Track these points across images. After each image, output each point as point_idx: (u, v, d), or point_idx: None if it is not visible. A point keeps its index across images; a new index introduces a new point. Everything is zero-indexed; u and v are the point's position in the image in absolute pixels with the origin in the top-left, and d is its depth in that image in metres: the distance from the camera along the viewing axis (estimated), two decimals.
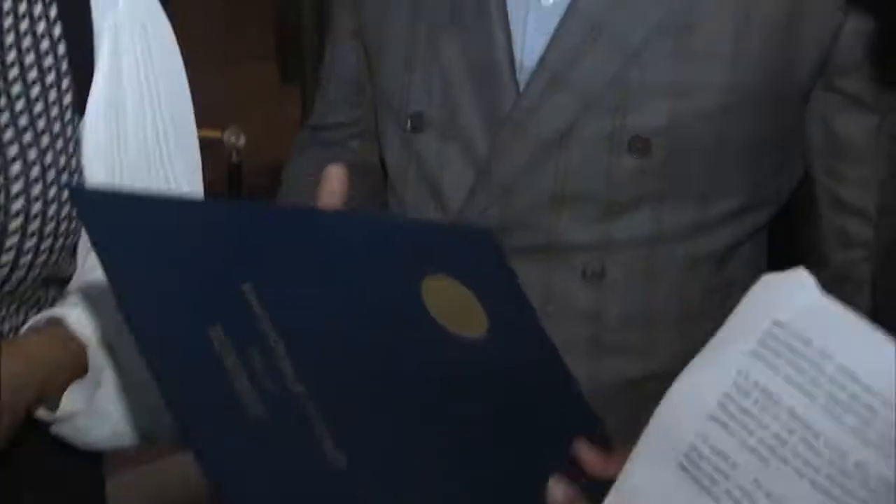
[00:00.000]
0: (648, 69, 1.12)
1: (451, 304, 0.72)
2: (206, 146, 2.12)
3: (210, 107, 2.49)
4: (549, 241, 1.07)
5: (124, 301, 0.82)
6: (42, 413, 1.02)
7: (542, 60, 1.13)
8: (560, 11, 1.13)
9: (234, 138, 1.94)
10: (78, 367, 1.03)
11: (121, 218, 0.78)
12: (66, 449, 1.06)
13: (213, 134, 2.00)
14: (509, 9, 1.15)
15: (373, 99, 1.24)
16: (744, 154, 1.16)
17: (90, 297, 1.09)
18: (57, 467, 1.09)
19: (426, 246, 0.72)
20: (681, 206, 1.11)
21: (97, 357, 1.03)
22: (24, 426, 1.00)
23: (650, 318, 1.08)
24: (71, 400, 1.04)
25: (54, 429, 1.05)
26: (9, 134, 1.06)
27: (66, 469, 1.11)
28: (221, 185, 2.02)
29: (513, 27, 1.15)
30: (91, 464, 1.16)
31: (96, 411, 1.05)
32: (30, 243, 1.04)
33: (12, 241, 1.03)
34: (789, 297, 0.71)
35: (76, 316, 1.04)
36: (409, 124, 1.19)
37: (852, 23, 1.14)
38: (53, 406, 1.04)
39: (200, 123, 2.10)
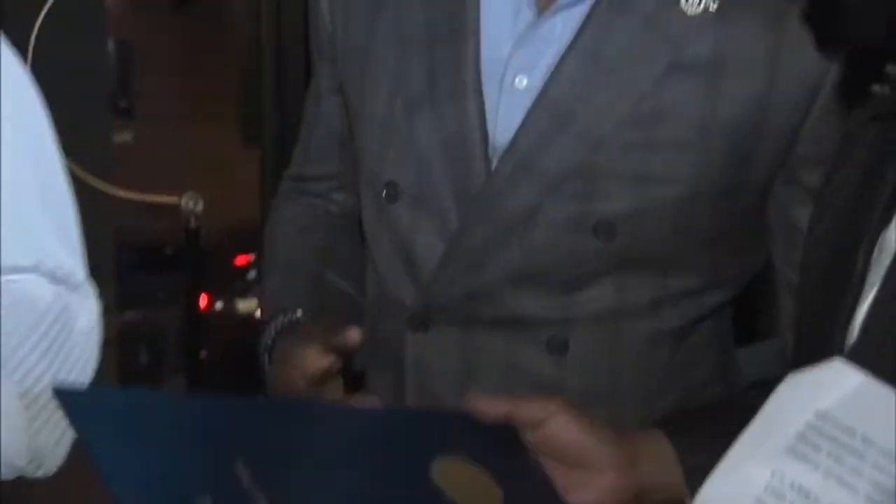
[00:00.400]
0: (615, 158, 1.14)
1: (464, 481, 0.74)
2: (164, 212, 2.11)
3: (169, 170, 2.51)
4: (513, 315, 1.08)
5: (112, 480, 0.83)
6: None
7: (512, 143, 1.15)
8: (532, 96, 1.16)
9: (191, 203, 1.93)
10: None
11: (107, 413, 0.80)
12: None
13: (171, 200, 2.04)
14: (484, 89, 1.18)
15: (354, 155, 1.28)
16: (706, 239, 1.18)
17: None
18: None
19: (440, 432, 0.74)
20: (643, 282, 1.12)
21: None
22: None
23: (613, 393, 1.09)
24: None
25: None
26: None
27: None
28: (179, 250, 2.03)
29: (487, 107, 1.17)
30: None
31: None
32: None
33: None
34: (829, 386, 0.70)
35: None
36: (384, 192, 1.21)
37: (814, 118, 1.16)
38: None
39: (159, 189, 2.04)
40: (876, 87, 0.93)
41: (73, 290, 1.09)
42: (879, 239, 0.95)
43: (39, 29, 2.15)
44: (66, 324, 1.07)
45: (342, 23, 1.27)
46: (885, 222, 0.95)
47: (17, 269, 1.07)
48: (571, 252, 1.13)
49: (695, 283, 1.14)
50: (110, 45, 2.62)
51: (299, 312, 1.24)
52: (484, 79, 1.19)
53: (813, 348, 0.99)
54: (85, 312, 1.09)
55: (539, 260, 1.14)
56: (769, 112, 1.16)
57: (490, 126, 1.19)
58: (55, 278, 1.05)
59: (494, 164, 1.17)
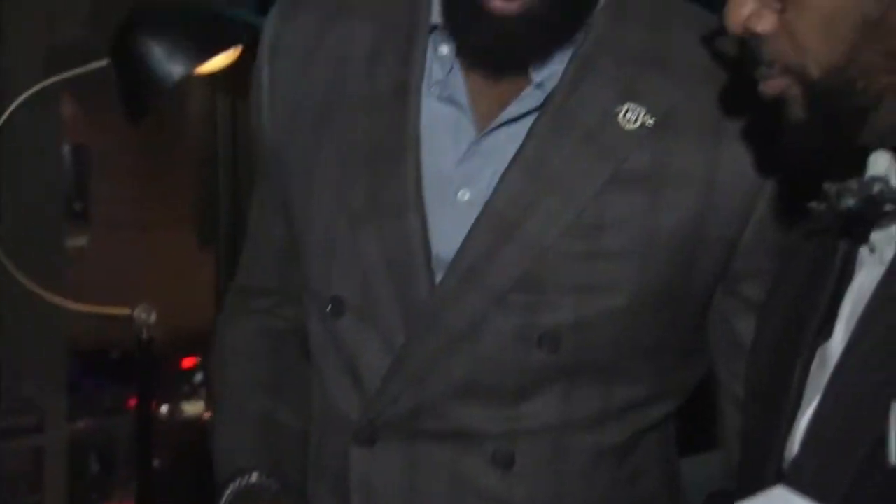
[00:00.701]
0: (558, 269, 1.15)
1: None
2: (116, 323, 2.09)
3: (122, 278, 2.51)
4: (459, 428, 1.07)
5: None
6: None
7: (457, 256, 1.15)
8: (476, 209, 1.16)
9: (144, 315, 1.92)
10: None
11: None
12: None
13: (123, 311, 2.01)
14: (428, 203, 1.18)
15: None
16: (650, 349, 1.18)
17: None
18: None
19: None
20: (588, 393, 1.12)
21: None
22: None
23: None
24: None
25: None
26: None
27: None
28: (130, 358, 2.01)
29: (430, 220, 1.18)
30: None
31: None
32: None
33: None
34: None
35: None
36: (329, 307, 1.20)
37: (751, 231, 1.17)
38: None
39: (113, 296, 2.04)
40: (813, 204, 0.95)
41: None
42: (818, 352, 0.96)
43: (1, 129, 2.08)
44: None
45: (285, 141, 1.27)
46: (824, 336, 0.96)
47: None
48: (517, 363, 1.13)
49: (640, 393, 1.14)
50: (66, 150, 2.64)
51: (254, 476, 1.23)
52: (427, 193, 1.19)
53: (756, 460, 1.01)
54: None
55: (485, 372, 1.13)
56: (708, 225, 1.17)
57: (434, 240, 1.18)
58: None
59: (439, 277, 1.17)
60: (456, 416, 1.08)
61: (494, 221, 1.16)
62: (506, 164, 1.17)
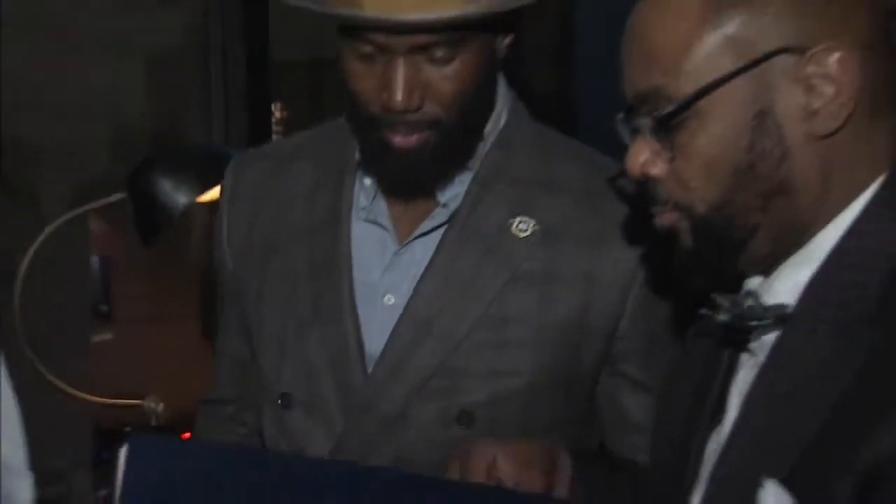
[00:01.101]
0: (470, 357, 1.21)
1: None
2: (128, 413, 2.23)
3: (132, 372, 2.53)
4: None
5: None
6: None
7: (384, 351, 1.22)
8: (399, 311, 1.23)
9: (153, 405, 1.98)
10: None
11: (183, 468, 0.82)
12: None
13: (134, 402, 2.08)
14: (360, 308, 1.25)
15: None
16: (550, 423, 1.23)
17: None
18: None
19: None
20: None
21: None
22: None
23: None
24: None
25: None
26: None
27: None
28: None
29: (363, 322, 1.24)
30: None
31: None
32: None
33: None
34: None
35: None
36: (279, 401, 1.27)
37: (627, 319, 1.24)
38: None
39: (129, 385, 2.13)
40: (703, 310, 0.98)
41: (13, 475, 1.14)
42: (713, 435, 0.98)
43: (37, 248, 2.31)
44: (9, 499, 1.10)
45: (240, 269, 1.33)
46: (718, 421, 0.98)
47: None
48: (439, 440, 1.17)
49: None
50: (94, 260, 2.70)
51: None
52: (359, 300, 1.24)
53: None
54: (22, 491, 1.13)
55: (413, 450, 1.18)
56: (590, 315, 1.23)
57: (366, 339, 1.24)
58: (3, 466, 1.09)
59: (369, 367, 1.23)
60: None
61: (414, 321, 1.22)
62: (422, 271, 1.23)
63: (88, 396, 2.25)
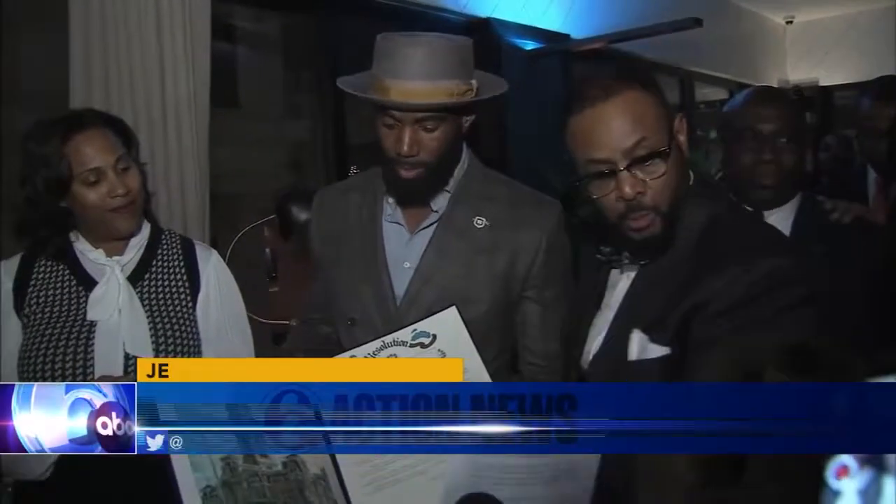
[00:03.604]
0: (453, 295, 1.65)
1: None
2: (282, 327, 2.90)
3: (286, 307, 2.98)
4: None
5: None
6: None
7: (405, 294, 1.76)
8: (412, 272, 1.75)
9: (294, 322, 2.52)
10: None
11: None
12: None
13: (285, 322, 2.85)
14: (389, 269, 1.77)
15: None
16: (497, 331, 1.72)
17: None
18: None
19: None
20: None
21: None
22: None
23: None
24: None
25: None
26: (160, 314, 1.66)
27: None
28: None
29: (392, 277, 1.78)
30: None
31: None
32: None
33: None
34: None
35: None
36: (348, 322, 1.79)
37: (537, 266, 1.73)
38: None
39: (281, 317, 2.82)
40: (598, 256, 1.45)
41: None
42: (596, 318, 1.41)
43: (235, 243, 3.10)
44: None
45: (323, 248, 1.89)
46: (598, 308, 1.44)
47: None
48: None
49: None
50: (266, 251, 3.27)
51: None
52: (390, 265, 1.76)
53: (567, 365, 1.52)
54: None
55: None
56: (516, 268, 1.74)
57: (395, 287, 1.77)
58: None
59: (398, 302, 1.76)
60: None
61: (421, 276, 1.73)
62: (424, 249, 1.74)
63: (266, 320, 2.95)
